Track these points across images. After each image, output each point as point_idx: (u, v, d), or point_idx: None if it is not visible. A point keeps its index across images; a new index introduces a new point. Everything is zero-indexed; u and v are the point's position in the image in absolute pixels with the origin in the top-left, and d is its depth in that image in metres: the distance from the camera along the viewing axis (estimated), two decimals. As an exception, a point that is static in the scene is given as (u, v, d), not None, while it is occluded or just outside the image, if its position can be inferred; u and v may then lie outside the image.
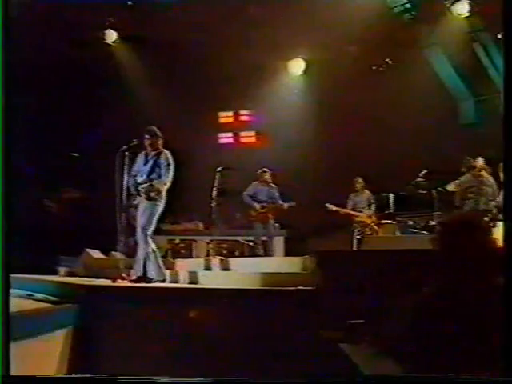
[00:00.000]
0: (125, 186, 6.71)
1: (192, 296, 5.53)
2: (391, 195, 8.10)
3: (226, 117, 12.42)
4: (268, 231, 9.25)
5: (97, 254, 8.68)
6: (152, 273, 6.52)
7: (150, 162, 6.73)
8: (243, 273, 6.58)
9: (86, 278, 7.11)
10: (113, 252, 8.96)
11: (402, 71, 10.84)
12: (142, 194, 6.62)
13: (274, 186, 9.35)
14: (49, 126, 10.36)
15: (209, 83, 11.25)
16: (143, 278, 6.46)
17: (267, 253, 9.11)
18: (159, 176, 6.62)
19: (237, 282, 6.06)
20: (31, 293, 6.11)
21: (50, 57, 10.43)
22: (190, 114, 11.35)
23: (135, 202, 6.77)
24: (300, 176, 10.87)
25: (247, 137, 12.37)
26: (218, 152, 11.63)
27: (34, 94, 9.80)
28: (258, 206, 9.16)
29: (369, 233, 7.80)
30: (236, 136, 12.36)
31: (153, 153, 6.74)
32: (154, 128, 6.84)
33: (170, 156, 6.71)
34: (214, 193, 8.41)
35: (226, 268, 7.11)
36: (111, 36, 11.13)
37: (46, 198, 10.83)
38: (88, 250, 8.56)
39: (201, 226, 10.72)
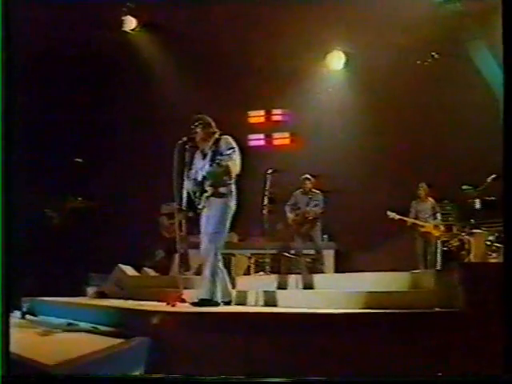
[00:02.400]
0: (185, 189, 5.51)
1: (289, 322, 4.27)
2: (477, 201, 7.12)
3: (257, 116, 11.26)
4: (315, 244, 8.25)
5: (130, 270, 7.34)
6: (217, 293, 5.30)
7: (209, 154, 5.53)
8: (336, 292, 5.35)
9: (132, 301, 5.78)
10: (145, 268, 7.79)
11: (448, 65, 9.86)
12: (208, 192, 5.41)
13: (315, 193, 8.45)
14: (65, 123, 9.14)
15: (238, 78, 10.18)
16: (209, 300, 5.21)
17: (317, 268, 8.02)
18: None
19: (331, 304, 4.88)
20: (72, 321, 4.92)
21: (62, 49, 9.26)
22: (218, 113, 10.16)
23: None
24: (341, 182, 9.82)
25: (281, 138, 11.22)
26: (251, 155, 10.46)
27: (48, 88, 8.67)
28: (291, 215, 8.23)
29: (456, 244, 6.74)
30: (268, 137, 11.21)
31: (209, 144, 5.56)
32: (202, 116, 5.70)
33: (231, 140, 5.53)
34: (266, 199, 7.28)
35: (308, 286, 5.85)
36: (130, 23, 9.91)
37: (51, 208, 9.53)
38: (120, 265, 7.20)
39: (235, 238, 9.45)
